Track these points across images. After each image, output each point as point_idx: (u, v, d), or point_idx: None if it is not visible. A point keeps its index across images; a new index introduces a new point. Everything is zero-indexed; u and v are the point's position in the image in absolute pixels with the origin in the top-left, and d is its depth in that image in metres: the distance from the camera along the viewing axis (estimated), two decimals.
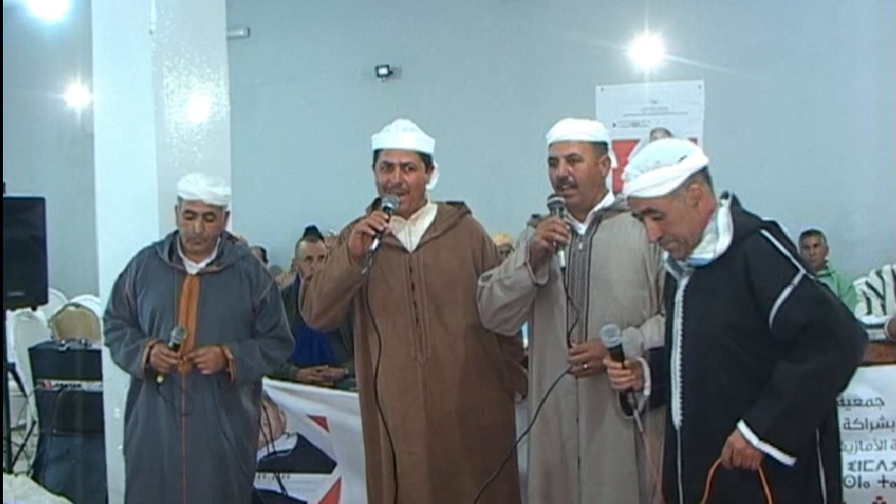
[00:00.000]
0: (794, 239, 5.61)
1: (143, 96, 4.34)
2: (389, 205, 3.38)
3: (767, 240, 2.65)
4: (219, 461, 3.83)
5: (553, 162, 3.31)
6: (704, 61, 7.83)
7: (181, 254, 3.88)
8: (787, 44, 7.72)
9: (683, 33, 7.98)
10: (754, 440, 2.55)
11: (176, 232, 3.91)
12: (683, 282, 2.77)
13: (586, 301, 3.22)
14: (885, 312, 4.47)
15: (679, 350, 2.75)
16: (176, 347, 3.70)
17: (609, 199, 3.34)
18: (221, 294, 3.86)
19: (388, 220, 3.32)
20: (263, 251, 8.02)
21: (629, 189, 2.74)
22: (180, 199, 3.81)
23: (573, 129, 3.29)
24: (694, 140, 7.99)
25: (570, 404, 3.24)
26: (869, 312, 4.53)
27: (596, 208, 3.30)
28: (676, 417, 2.76)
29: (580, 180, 3.25)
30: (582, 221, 3.30)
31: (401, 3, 8.80)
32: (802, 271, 2.59)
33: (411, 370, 3.49)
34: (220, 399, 3.83)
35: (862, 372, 3.91)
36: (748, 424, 2.57)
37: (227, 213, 3.94)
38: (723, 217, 2.69)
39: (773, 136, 7.75)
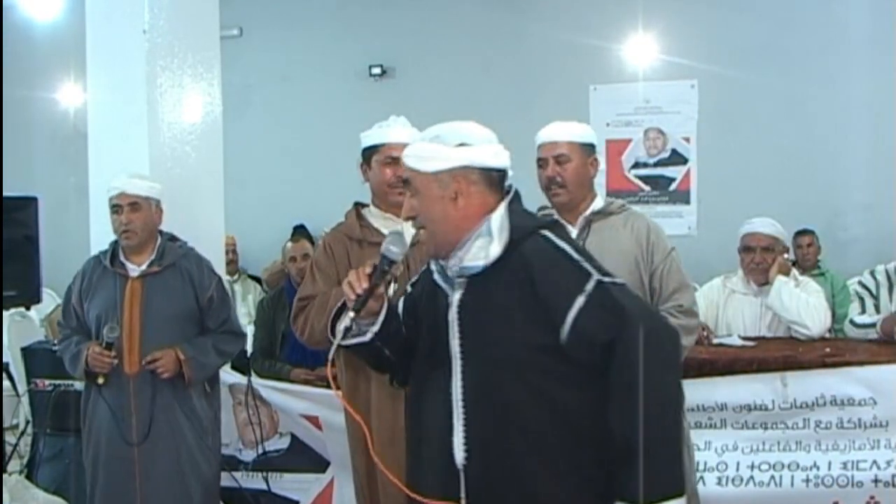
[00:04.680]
0: (788, 238, 5.58)
1: (137, 96, 4.34)
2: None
3: (549, 240, 2.30)
4: (175, 461, 3.82)
5: (542, 163, 3.33)
6: (698, 61, 7.82)
7: (123, 258, 3.90)
8: (781, 43, 7.71)
9: (677, 33, 7.98)
10: None
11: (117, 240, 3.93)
12: (456, 296, 2.31)
13: None
14: (878, 312, 4.48)
15: (460, 377, 2.28)
16: (109, 346, 3.71)
17: (598, 203, 3.35)
18: (164, 294, 3.87)
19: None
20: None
21: (404, 152, 2.40)
22: (109, 200, 3.86)
23: (562, 131, 3.32)
24: (687, 140, 8.01)
25: None
26: (862, 312, 4.54)
27: (586, 213, 3.32)
28: (458, 454, 2.25)
29: (568, 181, 3.27)
30: (572, 224, 3.30)
31: (394, 2, 8.78)
32: (596, 276, 2.24)
33: None
34: (172, 399, 3.82)
35: (855, 371, 3.96)
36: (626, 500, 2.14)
37: (160, 210, 3.94)
38: (497, 218, 2.30)
39: (766, 135, 7.75)
